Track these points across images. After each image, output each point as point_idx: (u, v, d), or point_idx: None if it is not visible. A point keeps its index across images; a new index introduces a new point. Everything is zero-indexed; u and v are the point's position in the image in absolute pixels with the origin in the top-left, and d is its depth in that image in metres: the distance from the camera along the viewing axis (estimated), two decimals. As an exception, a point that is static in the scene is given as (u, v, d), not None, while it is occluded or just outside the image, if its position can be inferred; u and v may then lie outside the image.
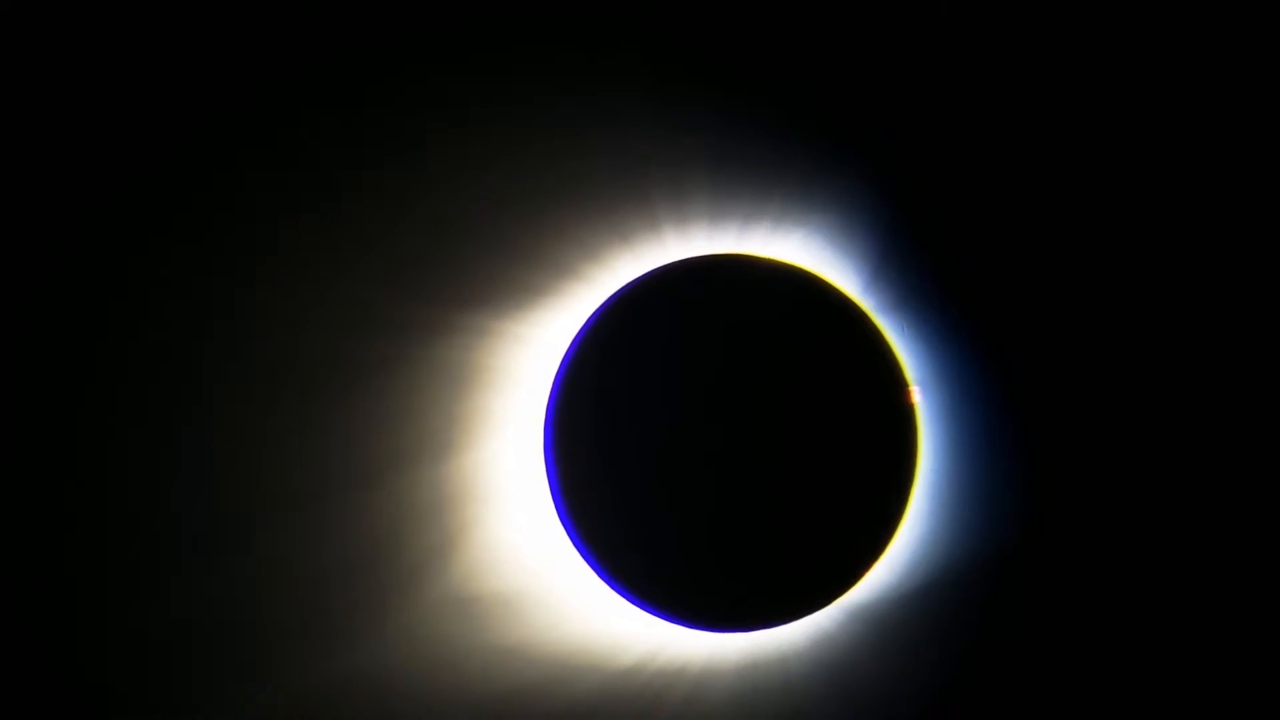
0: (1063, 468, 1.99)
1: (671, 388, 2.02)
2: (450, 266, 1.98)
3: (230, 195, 1.94)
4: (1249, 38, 1.98)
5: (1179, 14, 1.98)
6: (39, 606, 1.93)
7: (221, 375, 1.94)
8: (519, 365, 2.03)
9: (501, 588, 2.00)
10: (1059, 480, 1.99)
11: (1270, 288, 1.98)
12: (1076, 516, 1.97)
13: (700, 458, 2.01)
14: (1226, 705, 1.94)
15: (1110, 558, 1.96)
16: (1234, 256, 1.98)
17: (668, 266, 2.06)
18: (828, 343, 2.04)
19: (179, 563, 1.93)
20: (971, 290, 2.03)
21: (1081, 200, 2.00)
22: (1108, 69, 2.00)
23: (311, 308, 1.95)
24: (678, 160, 2.00)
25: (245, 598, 1.93)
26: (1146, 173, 1.99)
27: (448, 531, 1.99)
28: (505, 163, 1.98)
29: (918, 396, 2.03)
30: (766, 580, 2.02)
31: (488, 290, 1.99)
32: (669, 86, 2.00)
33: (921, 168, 2.02)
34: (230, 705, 1.91)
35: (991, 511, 2.01)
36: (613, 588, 2.01)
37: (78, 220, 1.93)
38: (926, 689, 1.99)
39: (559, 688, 1.98)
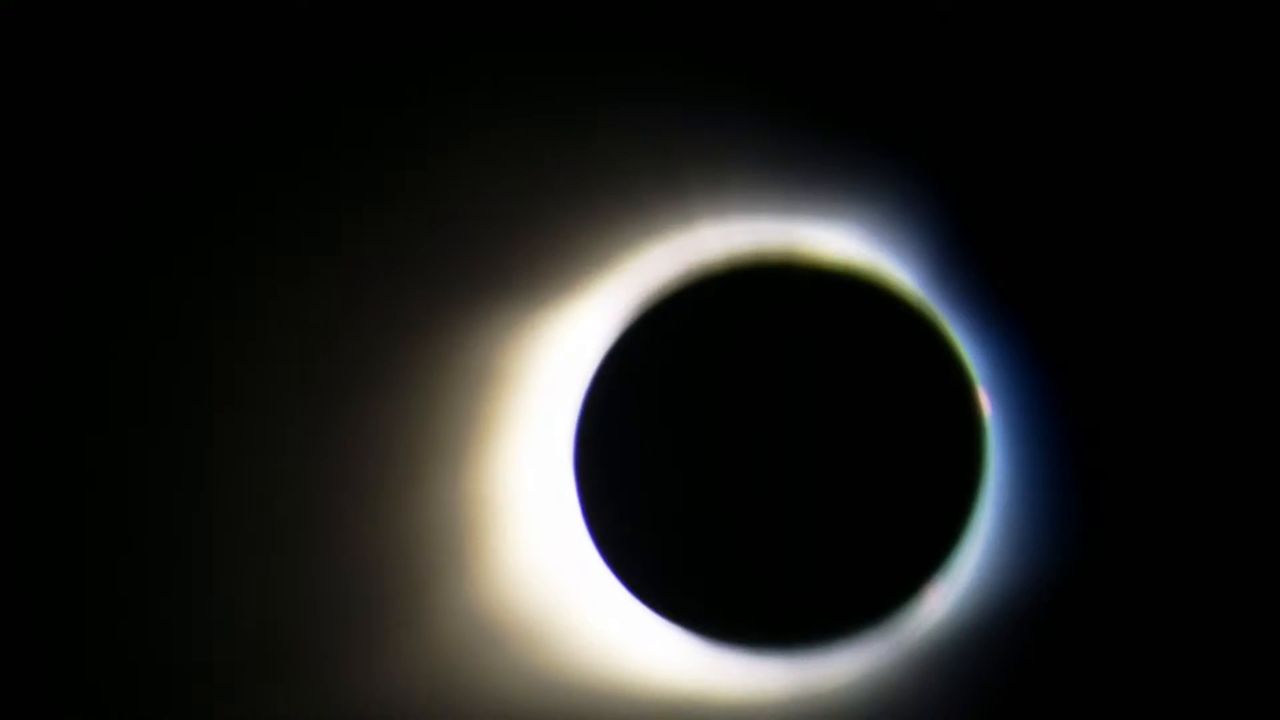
0: (1138, 486, 1.83)
1: (712, 392, 1.93)
2: (478, 261, 1.90)
3: (252, 197, 1.89)
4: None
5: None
6: (48, 611, 1.89)
7: (239, 379, 1.89)
8: (548, 365, 1.95)
9: (525, 604, 1.93)
10: (1134, 499, 1.83)
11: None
12: (1151, 539, 1.82)
13: (744, 469, 1.91)
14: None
15: (1187, 585, 1.81)
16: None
17: (710, 263, 1.96)
18: (884, 345, 1.93)
19: (191, 571, 1.88)
20: (1044, 288, 1.87)
21: (1163, 192, 1.84)
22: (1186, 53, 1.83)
23: (334, 308, 1.89)
24: (715, 151, 1.89)
25: (257, 610, 1.88)
26: (1220, 166, 1.83)
27: (469, 542, 1.92)
28: (533, 161, 1.89)
29: (986, 404, 1.89)
30: (814, 603, 1.91)
31: (517, 286, 1.91)
32: (706, 73, 1.89)
33: (979, 160, 1.86)
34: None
35: (1060, 533, 1.86)
36: (646, 607, 1.92)
37: (100, 225, 1.89)
38: (988, 725, 1.86)
39: (585, 715, 1.89)
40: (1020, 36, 1.85)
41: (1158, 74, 1.83)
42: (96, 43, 1.87)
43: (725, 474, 1.91)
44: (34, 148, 1.86)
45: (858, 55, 1.86)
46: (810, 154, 1.87)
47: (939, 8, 1.84)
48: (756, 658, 1.92)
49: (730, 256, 1.95)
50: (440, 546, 1.89)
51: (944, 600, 1.90)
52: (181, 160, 1.88)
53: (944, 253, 1.89)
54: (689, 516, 1.92)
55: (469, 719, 1.87)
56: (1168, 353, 1.83)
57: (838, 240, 1.93)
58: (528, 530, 1.94)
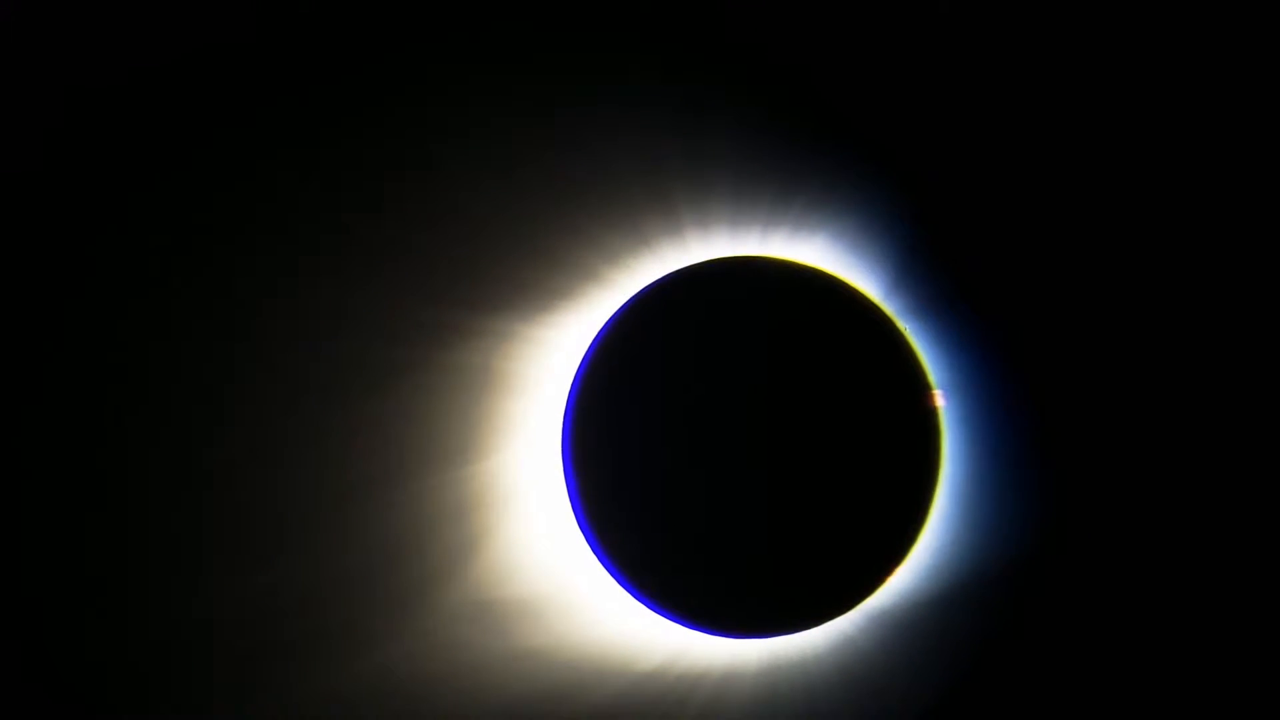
0: (1085, 472, 1.98)
1: (690, 391, 2.00)
2: (471, 270, 1.95)
3: (251, 200, 1.90)
4: (1256, 27, 1.99)
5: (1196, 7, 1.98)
6: (62, 609, 1.89)
7: (241, 379, 1.90)
8: (539, 369, 2.00)
9: (521, 592, 1.97)
10: (1081, 485, 1.98)
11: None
12: (1098, 521, 1.97)
13: (720, 462, 1.98)
14: (1248, 712, 1.96)
15: (1132, 563, 1.96)
16: (1264, 257, 1.98)
17: (687, 269, 2.03)
18: (850, 346, 2.02)
19: (197, 565, 1.88)
20: (994, 293, 2.02)
21: (1105, 203, 2.00)
22: (1132, 69, 1.99)
23: (330, 312, 1.91)
24: (700, 163, 1.98)
25: (264, 602, 1.89)
26: (1170, 172, 1.98)
27: (468, 536, 1.96)
28: (525, 166, 1.95)
29: (940, 400, 2.02)
30: (788, 585, 2.00)
31: (508, 293, 1.96)
32: (691, 89, 1.98)
33: (945, 171, 2.01)
34: (248, 709, 1.87)
35: (1013, 516, 2.00)
36: (632, 594, 1.98)
37: (103, 225, 1.89)
38: (947, 694, 1.98)
39: (578, 693, 1.96)
40: (987, 54, 1.99)
41: (1114, 89, 1.98)
42: (97, 44, 1.86)
43: (703, 467, 1.97)
44: (34, 149, 1.84)
45: (836, 68, 1.97)
46: (788, 162, 1.97)
47: (917, 38, 1.95)
48: (735, 637, 2.01)
49: (707, 261, 2.03)
50: (442, 541, 1.93)
51: (907, 581, 2.01)
52: (181, 162, 1.88)
53: (906, 260, 2.01)
54: (671, 509, 1.97)
55: (471, 700, 1.91)
56: (1122, 346, 1.98)
57: (811, 245, 2.04)
58: (525, 520, 1.99)
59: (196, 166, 1.89)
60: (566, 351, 2.01)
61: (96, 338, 1.89)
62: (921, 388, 2.03)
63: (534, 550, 1.99)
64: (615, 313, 2.02)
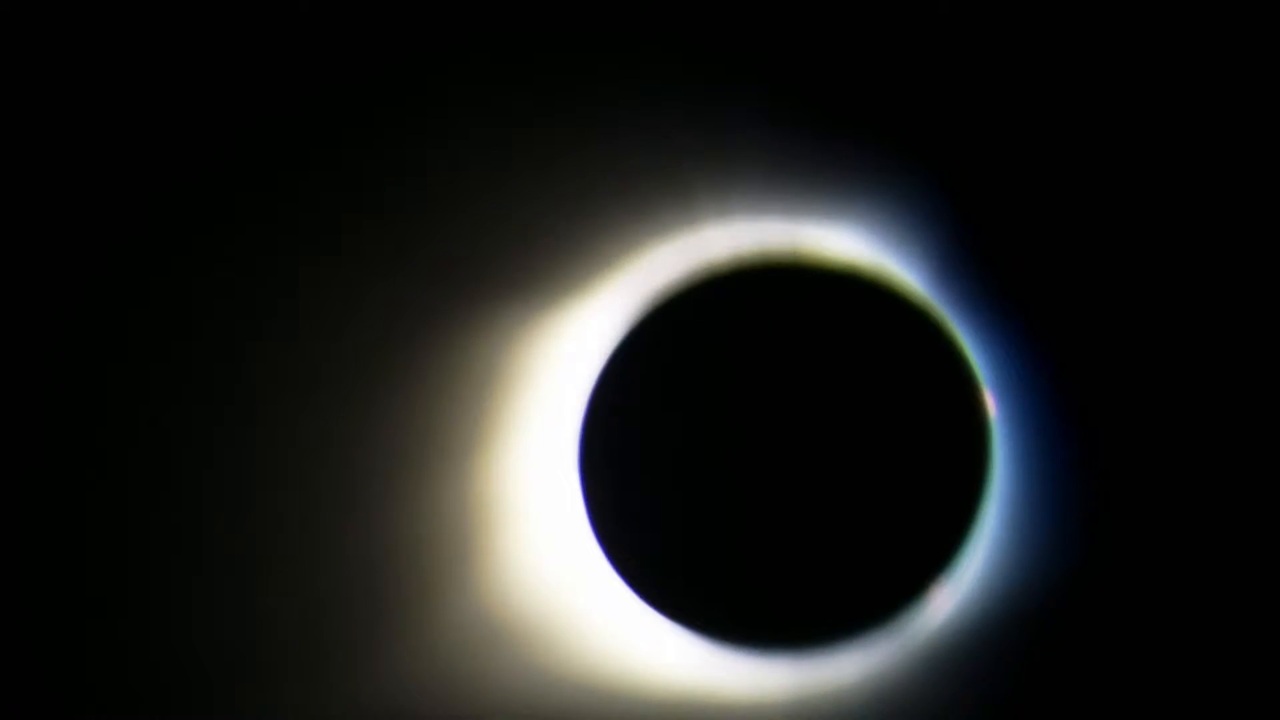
0: (1144, 490, 1.82)
1: (719, 392, 1.91)
2: (483, 261, 1.88)
3: (257, 198, 1.87)
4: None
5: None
6: (49, 613, 1.87)
7: (241, 380, 1.86)
8: (554, 365, 1.93)
9: (530, 605, 1.91)
10: (1140, 504, 1.81)
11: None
12: (1156, 544, 1.81)
13: (750, 470, 1.89)
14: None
15: (1192, 590, 1.79)
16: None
17: (715, 264, 1.94)
18: (889, 345, 1.91)
19: (194, 573, 1.85)
20: (1044, 290, 1.86)
21: (1165, 197, 1.83)
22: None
23: (338, 308, 1.86)
24: (719, 151, 1.87)
25: (261, 613, 1.86)
26: (1222, 165, 1.81)
27: (475, 543, 1.89)
28: (537, 156, 1.87)
29: (992, 404, 1.88)
30: (819, 603, 1.89)
31: (521, 285, 1.89)
32: (711, 80, 1.88)
33: (983, 159, 1.84)
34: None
35: (1066, 536, 1.84)
36: (652, 609, 1.90)
37: (102, 227, 1.87)
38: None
39: (592, 715, 1.87)
40: (1021, 37, 1.83)
41: (1157, 73, 1.82)
42: (99, 49, 1.85)
43: (730, 474, 1.89)
44: (36, 152, 1.84)
45: (861, 54, 1.84)
46: (814, 153, 1.85)
47: (940, 8, 1.83)
48: (761, 658, 1.90)
49: (735, 257, 1.93)
50: (446, 548, 1.87)
51: (949, 600, 1.88)
52: (185, 161, 1.86)
53: (948, 252, 1.87)
54: (694, 517, 1.90)
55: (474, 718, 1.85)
56: (1173, 351, 1.81)
57: (842, 240, 1.91)
58: (533, 531, 1.92)
59: (197, 168, 1.87)
60: (585, 346, 1.94)
61: (95, 338, 1.87)
62: (971, 390, 1.90)
63: (545, 560, 1.92)
64: (642, 306, 1.94)
